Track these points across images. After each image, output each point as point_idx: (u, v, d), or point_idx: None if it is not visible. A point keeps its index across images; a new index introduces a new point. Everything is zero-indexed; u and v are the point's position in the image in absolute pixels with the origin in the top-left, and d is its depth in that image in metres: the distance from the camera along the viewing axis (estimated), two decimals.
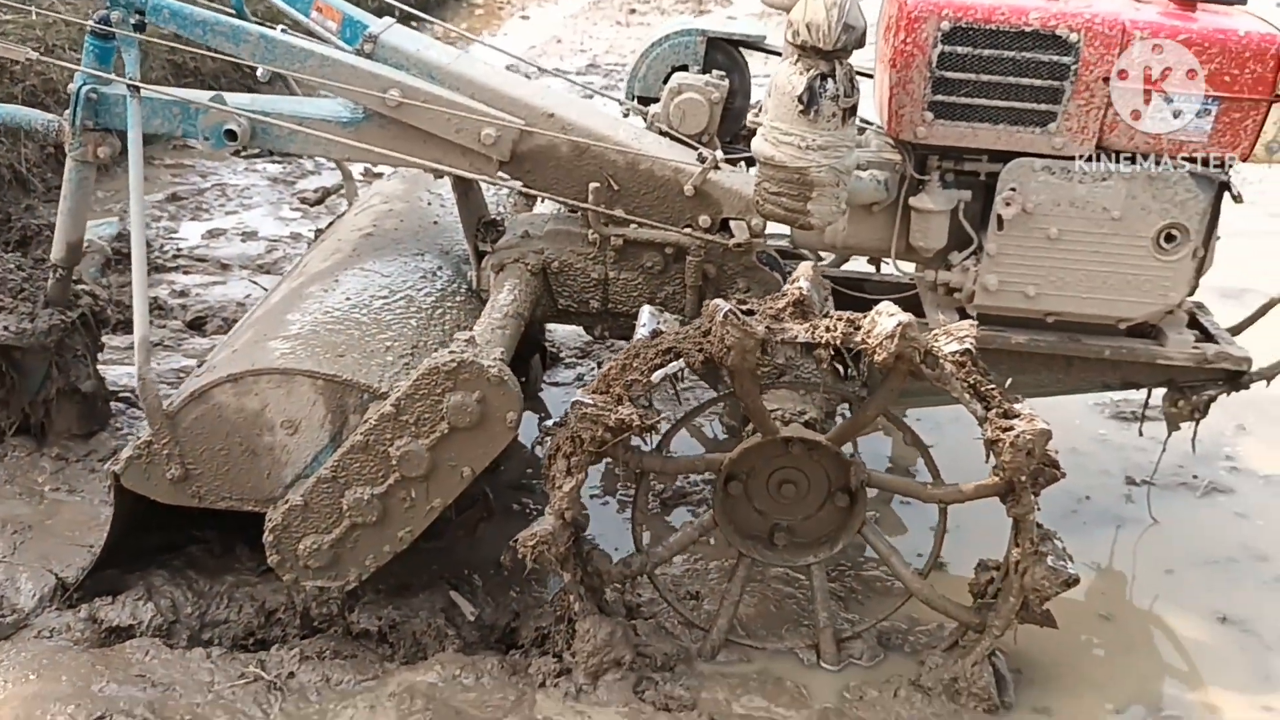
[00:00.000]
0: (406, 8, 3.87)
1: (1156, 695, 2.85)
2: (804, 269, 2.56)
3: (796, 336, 2.42)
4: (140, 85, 2.86)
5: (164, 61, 6.82)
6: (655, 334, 2.51)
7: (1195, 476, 3.70)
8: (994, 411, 2.44)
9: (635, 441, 2.61)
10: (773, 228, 3.09)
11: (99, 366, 3.68)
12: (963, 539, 3.03)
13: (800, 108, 2.62)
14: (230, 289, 4.87)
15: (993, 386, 2.44)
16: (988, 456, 2.48)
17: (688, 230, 3.08)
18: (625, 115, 3.47)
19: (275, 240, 5.45)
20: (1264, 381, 3.11)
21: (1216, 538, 3.41)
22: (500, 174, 3.09)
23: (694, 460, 2.76)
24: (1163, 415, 3.22)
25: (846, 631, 2.88)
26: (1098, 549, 3.36)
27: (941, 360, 2.42)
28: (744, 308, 2.46)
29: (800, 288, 2.47)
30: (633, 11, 11.63)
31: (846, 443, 2.69)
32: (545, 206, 3.50)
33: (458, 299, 3.17)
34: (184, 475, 2.74)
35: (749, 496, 2.80)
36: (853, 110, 2.66)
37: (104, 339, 3.78)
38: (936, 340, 2.48)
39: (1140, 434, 3.57)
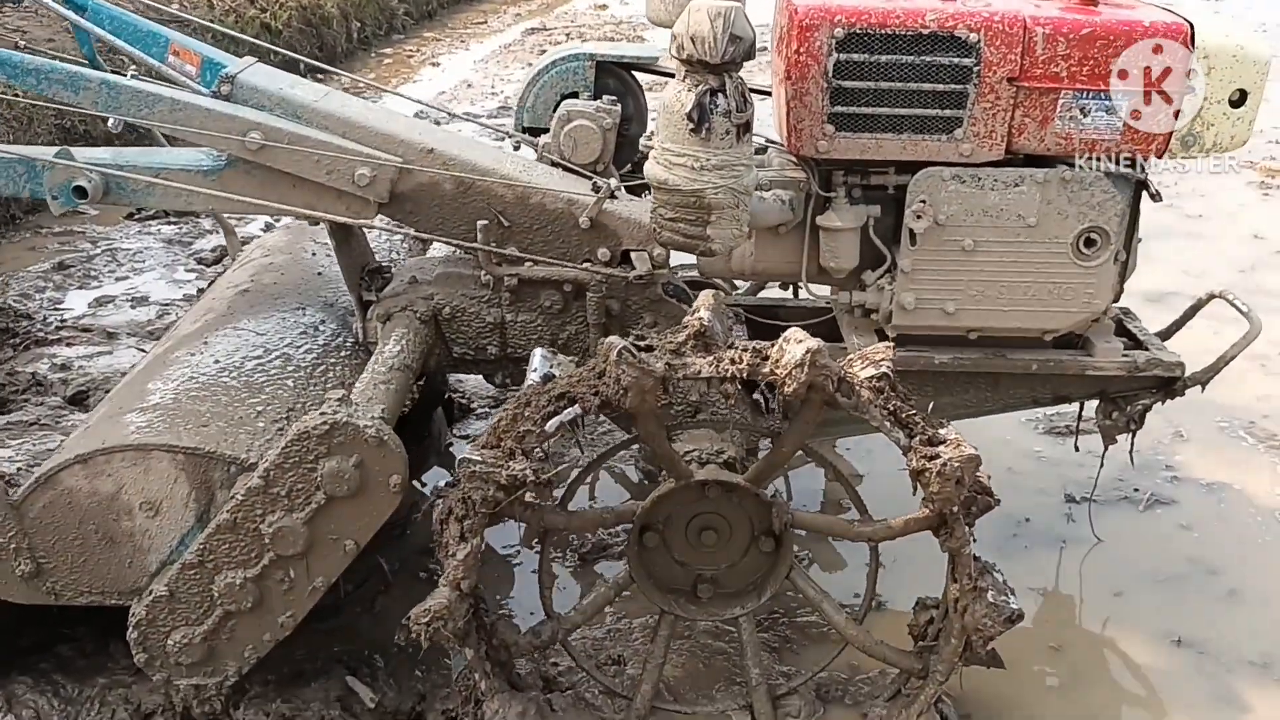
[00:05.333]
0: (309, 60, 3.69)
1: None
2: (704, 297, 2.36)
3: (700, 371, 2.21)
4: None
5: (50, 125, 6.54)
6: (547, 379, 2.29)
7: (1136, 490, 3.56)
8: (917, 439, 2.25)
9: (534, 497, 2.38)
10: (682, 258, 2.91)
11: None
12: (903, 572, 2.84)
13: (691, 126, 2.44)
14: (117, 359, 4.57)
15: (914, 412, 2.25)
16: (915, 488, 2.28)
17: (586, 265, 2.88)
18: (516, 148, 3.26)
19: (167, 304, 5.16)
20: (1199, 387, 2.97)
21: (1163, 553, 3.26)
22: (380, 217, 2.87)
23: (603, 513, 2.54)
24: (1097, 428, 3.07)
25: (782, 687, 2.66)
26: (1042, 574, 3.19)
27: (857, 388, 2.22)
28: (642, 344, 2.26)
29: (701, 318, 2.27)
30: (543, 53, 11.49)
31: (766, 482, 2.48)
32: (439, 250, 3.29)
33: (342, 354, 2.92)
34: (36, 571, 2.46)
35: (668, 547, 2.59)
36: (747, 126, 2.48)
37: None
38: (851, 366, 2.29)
39: (1076, 449, 3.41)
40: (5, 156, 2.77)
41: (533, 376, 2.32)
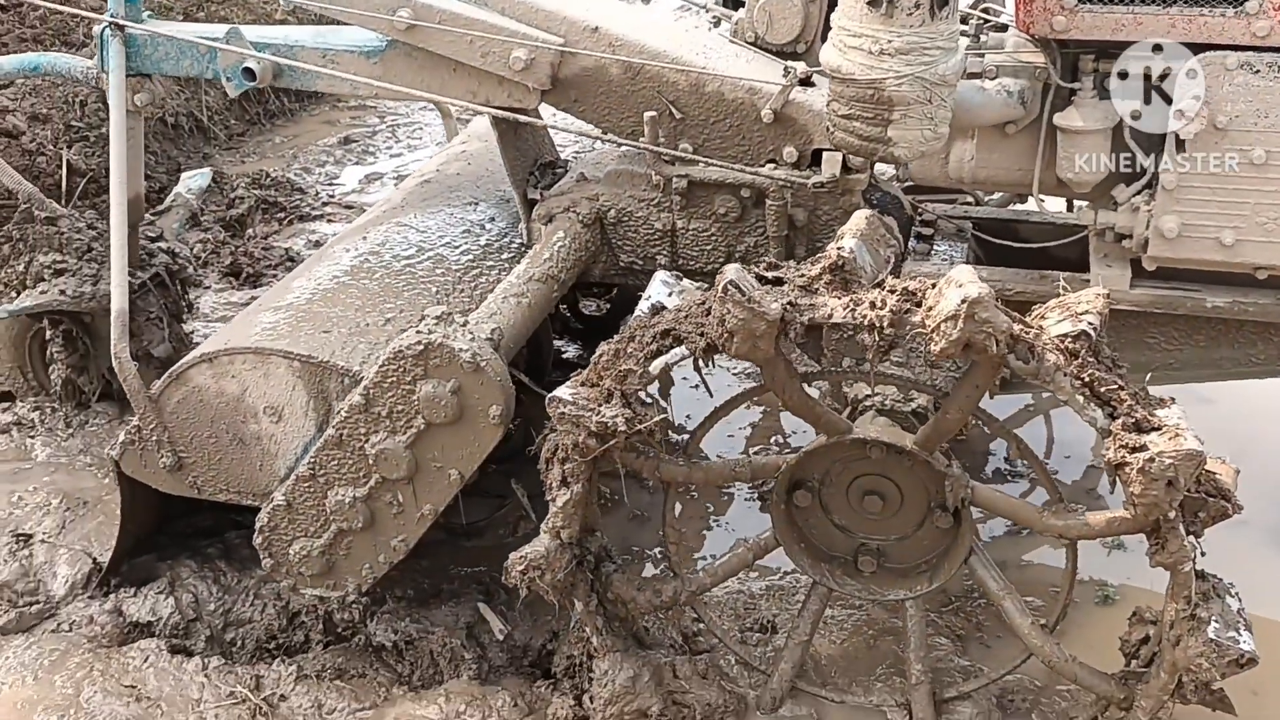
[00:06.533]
0: None
1: None
2: (856, 220, 1.90)
3: (831, 315, 1.77)
4: (124, 23, 2.53)
5: None
6: (656, 310, 1.94)
7: None
8: (1120, 422, 1.70)
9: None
10: None
11: (190, 327, 3.51)
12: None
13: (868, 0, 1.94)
14: None
15: (1119, 385, 1.71)
16: (1113, 484, 1.75)
17: (769, 165, 2.46)
18: (714, 24, 2.84)
19: None
20: None
21: None
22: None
23: (737, 466, 2.17)
24: None
25: (953, 689, 2.22)
26: None
27: (1040, 349, 1.70)
28: (770, 274, 1.84)
29: (842, 247, 1.82)
30: None
31: (935, 448, 2.01)
32: None
33: (503, 258, 2.69)
34: (178, 464, 2.45)
35: (825, 509, 2.20)
36: (943, 0, 1.94)
37: (194, 298, 3.61)
38: (1044, 319, 1.77)
39: None
40: (188, 40, 2.71)
41: (643, 306, 1.97)
